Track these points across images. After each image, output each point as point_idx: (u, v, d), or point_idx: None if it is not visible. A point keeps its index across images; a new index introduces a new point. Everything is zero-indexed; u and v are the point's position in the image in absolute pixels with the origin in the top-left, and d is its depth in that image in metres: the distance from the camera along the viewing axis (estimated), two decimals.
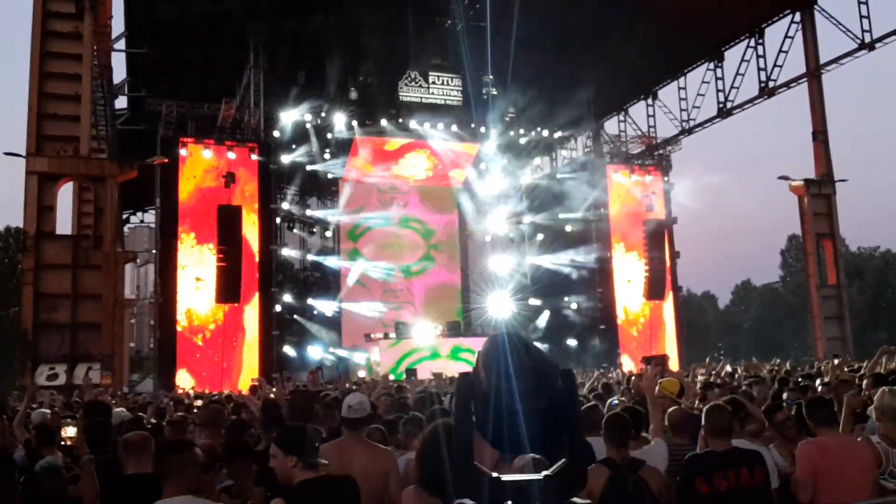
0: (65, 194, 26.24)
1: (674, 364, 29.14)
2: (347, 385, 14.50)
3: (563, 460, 1.55)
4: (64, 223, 26.62)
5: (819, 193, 29.99)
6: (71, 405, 9.46)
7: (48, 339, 21.85)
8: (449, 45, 31.27)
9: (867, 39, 28.25)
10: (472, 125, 32.69)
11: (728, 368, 13.54)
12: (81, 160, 23.07)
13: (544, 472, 1.54)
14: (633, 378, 10.71)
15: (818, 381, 8.60)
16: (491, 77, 32.52)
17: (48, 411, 9.40)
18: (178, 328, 26.21)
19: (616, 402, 7.07)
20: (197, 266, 26.51)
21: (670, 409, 5.87)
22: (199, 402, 8.49)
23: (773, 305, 61.20)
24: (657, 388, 6.74)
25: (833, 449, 4.43)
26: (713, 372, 13.15)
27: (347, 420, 4.80)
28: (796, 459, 4.48)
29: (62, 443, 4.10)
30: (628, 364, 29.64)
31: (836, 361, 9.03)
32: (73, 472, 4.04)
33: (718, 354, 50.83)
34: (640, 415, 5.48)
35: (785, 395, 7.00)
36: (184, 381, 24.68)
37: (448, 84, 32.98)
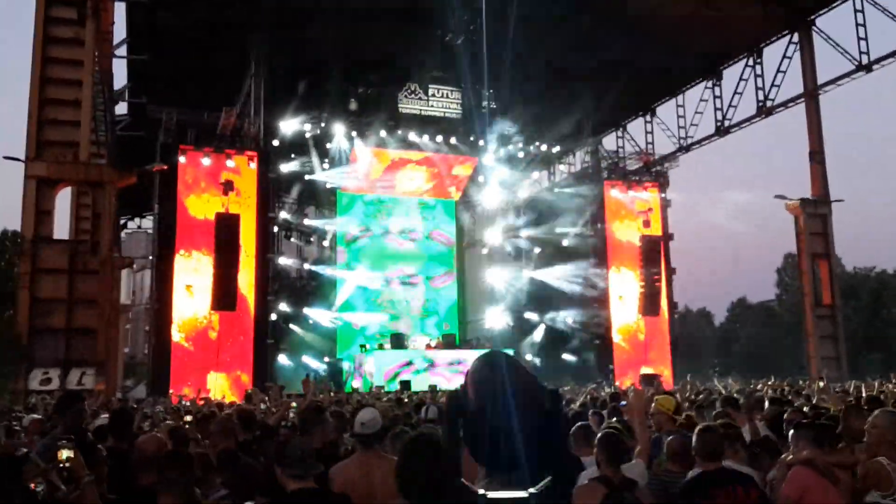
0: (63, 199, 26.26)
1: (667, 381, 29.16)
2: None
3: (549, 478, 1.59)
4: (62, 228, 26.57)
5: (815, 213, 30.08)
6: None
7: (42, 343, 21.79)
8: (449, 59, 31.42)
9: (865, 61, 28.42)
10: (472, 138, 32.80)
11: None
12: (81, 166, 23.08)
13: (530, 490, 1.58)
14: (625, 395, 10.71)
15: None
16: (490, 91, 32.66)
17: (38, 416, 9.42)
18: (173, 335, 26.17)
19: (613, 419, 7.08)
20: (193, 273, 26.49)
21: (671, 437, 5.89)
22: (188, 417, 8.42)
23: (769, 324, 61.24)
24: (653, 405, 6.77)
25: (822, 473, 4.46)
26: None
27: (360, 436, 4.79)
28: (788, 482, 4.48)
29: (59, 466, 4.03)
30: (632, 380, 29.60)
31: (821, 384, 9.08)
32: (73, 494, 4.00)
33: (713, 371, 50.85)
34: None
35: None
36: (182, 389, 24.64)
37: (448, 97, 33.11)
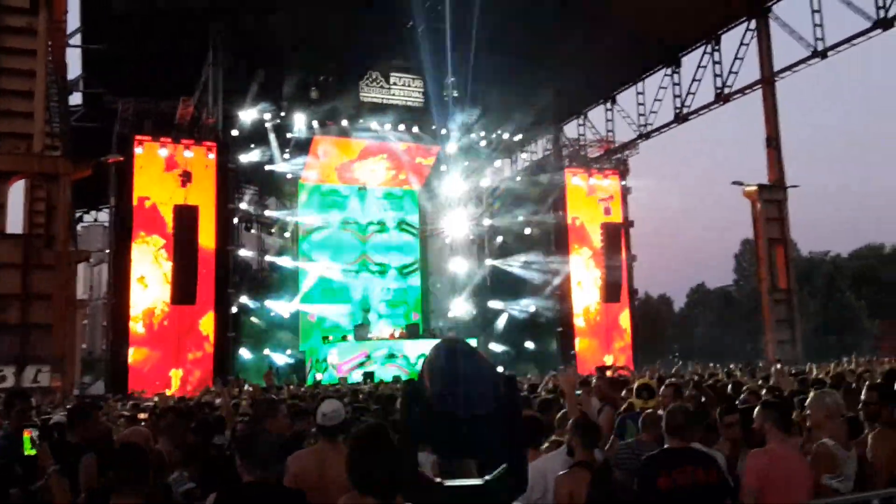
0: (16, 192, 25.68)
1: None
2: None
3: (505, 465, 1.59)
4: (15, 222, 25.99)
5: (771, 199, 30.57)
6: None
7: None
8: (411, 47, 31.29)
9: (820, 48, 28.88)
10: (433, 127, 32.75)
11: None
12: (34, 157, 22.60)
13: (486, 477, 1.57)
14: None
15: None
16: (452, 79, 32.62)
17: None
18: (132, 329, 25.81)
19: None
20: (152, 265, 26.16)
21: (647, 411, 5.96)
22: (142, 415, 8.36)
23: (727, 308, 62.24)
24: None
25: (781, 458, 4.48)
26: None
27: (322, 428, 4.78)
28: (746, 467, 4.53)
29: (23, 456, 3.95)
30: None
31: (778, 366, 9.27)
32: (37, 483, 3.91)
33: (674, 357, 51.55)
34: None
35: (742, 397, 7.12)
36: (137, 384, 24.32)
37: (409, 85, 32.99)
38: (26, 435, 3.96)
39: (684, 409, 4.63)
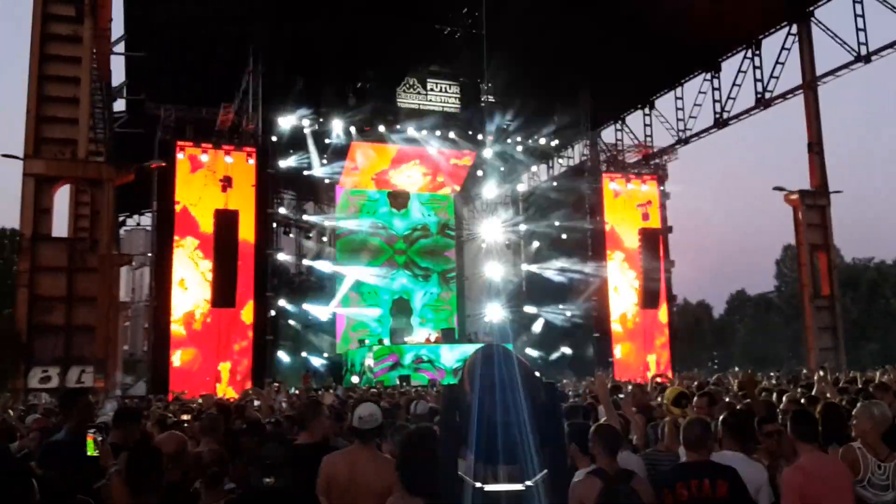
0: (61, 197, 26.23)
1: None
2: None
3: (545, 470, 1.60)
4: (60, 226, 26.52)
5: (814, 205, 30.02)
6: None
7: (42, 341, 21.79)
8: (447, 53, 31.38)
9: (863, 52, 28.34)
10: (470, 132, 32.79)
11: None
12: (79, 163, 23.06)
13: (527, 482, 1.59)
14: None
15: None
16: (489, 85, 32.64)
17: (39, 416, 9.43)
18: (173, 331, 26.19)
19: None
20: (189, 268, 26.53)
21: (665, 419, 5.91)
22: (185, 416, 8.51)
23: (768, 315, 61.30)
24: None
25: (814, 471, 4.42)
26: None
27: (357, 430, 4.81)
28: (782, 488, 4.45)
29: (87, 456, 4.10)
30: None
31: (821, 373, 9.10)
32: (99, 483, 4.03)
33: (713, 363, 50.91)
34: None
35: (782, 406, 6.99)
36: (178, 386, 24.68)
37: (446, 91, 33.08)
38: (89, 439, 4.12)
39: (702, 421, 4.57)
